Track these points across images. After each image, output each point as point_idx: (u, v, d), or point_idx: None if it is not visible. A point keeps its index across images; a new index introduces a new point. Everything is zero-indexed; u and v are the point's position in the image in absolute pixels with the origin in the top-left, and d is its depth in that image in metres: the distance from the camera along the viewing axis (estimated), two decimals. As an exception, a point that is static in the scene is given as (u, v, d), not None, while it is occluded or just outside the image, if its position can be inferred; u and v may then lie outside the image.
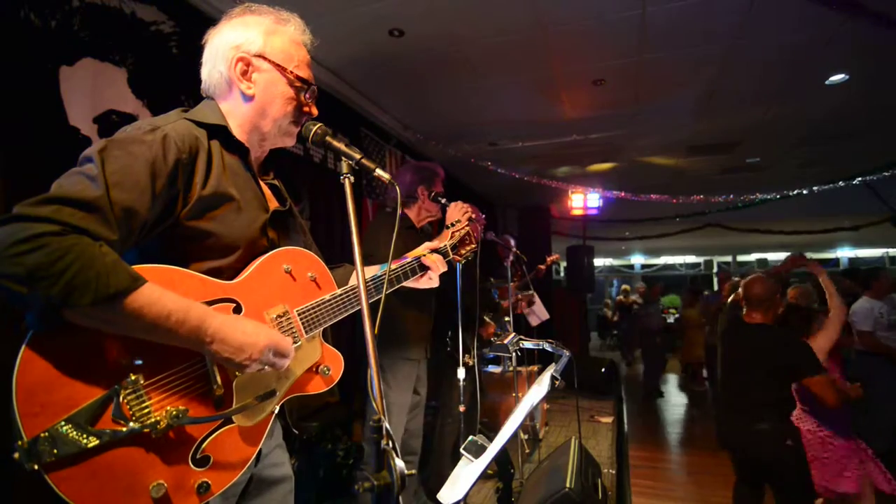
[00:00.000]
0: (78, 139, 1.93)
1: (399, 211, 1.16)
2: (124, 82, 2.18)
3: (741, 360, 2.47)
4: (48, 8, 1.88)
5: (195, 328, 0.85)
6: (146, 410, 0.85)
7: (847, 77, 3.72)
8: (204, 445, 0.91)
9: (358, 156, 1.03)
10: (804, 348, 2.34)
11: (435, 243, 1.47)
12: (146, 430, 0.84)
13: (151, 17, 2.32)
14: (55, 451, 0.76)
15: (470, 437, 1.42)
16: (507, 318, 3.67)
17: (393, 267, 1.31)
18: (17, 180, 1.69)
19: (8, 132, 1.72)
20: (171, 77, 2.36)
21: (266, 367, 0.95)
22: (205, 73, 1.10)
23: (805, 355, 2.32)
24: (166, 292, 0.84)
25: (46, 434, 0.76)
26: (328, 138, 1.08)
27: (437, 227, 1.77)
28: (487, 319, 3.02)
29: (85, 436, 0.79)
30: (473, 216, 2.02)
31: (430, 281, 1.41)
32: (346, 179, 1.00)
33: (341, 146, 1.04)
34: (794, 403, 2.56)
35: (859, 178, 5.31)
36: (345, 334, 1.42)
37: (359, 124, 4.15)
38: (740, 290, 2.60)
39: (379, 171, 1.05)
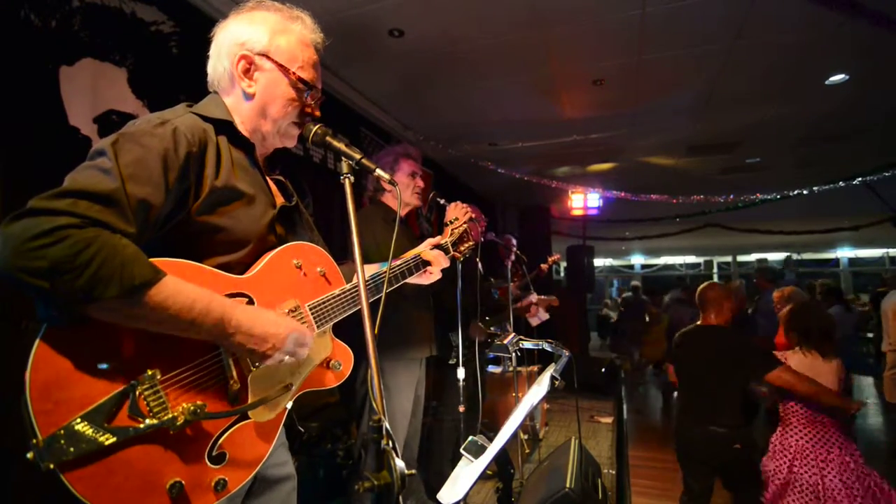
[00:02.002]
0: (78, 139, 1.93)
1: (399, 212, 1.17)
2: (124, 82, 2.17)
3: (697, 363, 2.51)
4: (48, 8, 1.88)
5: (218, 319, 0.85)
6: (163, 406, 0.84)
7: (847, 77, 3.72)
8: (220, 442, 0.91)
9: (358, 156, 1.03)
10: (755, 348, 2.39)
11: (436, 240, 1.50)
12: (164, 427, 0.83)
13: (151, 17, 2.32)
14: (71, 449, 0.74)
15: (470, 437, 1.42)
16: (507, 318, 3.67)
17: (395, 264, 1.32)
18: (17, 180, 1.69)
19: (8, 132, 1.72)
20: (171, 77, 2.36)
21: (287, 357, 0.95)
22: (210, 66, 1.10)
23: (757, 353, 2.35)
24: (187, 284, 0.84)
25: (62, 432, 0.74)
26: (328, 138, 1.07)
27: (437, 226, 1.78)
28: (480, 325, 3.03)
29: (101, 433, 0.77)
30: (473, 216, 2.02)
31: (431, 276, 1.42)
32: (346, 179, 1.01)
33: (341, 146, 1.04)
34: (752, 407, 2.55)
35: (859, 178, 5.31)
36: (344, 336, 1.42)
37: (359, 124, 4.15)
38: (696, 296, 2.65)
39: (379, 172, 1.06)
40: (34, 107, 1.83)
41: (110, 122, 2.06)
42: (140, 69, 2.23)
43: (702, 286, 2.66)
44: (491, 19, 2.91)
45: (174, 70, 2.38)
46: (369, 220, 2.19)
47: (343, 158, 1.03)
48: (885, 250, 15.13)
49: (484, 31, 3.05)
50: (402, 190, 2.28)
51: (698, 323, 2.63)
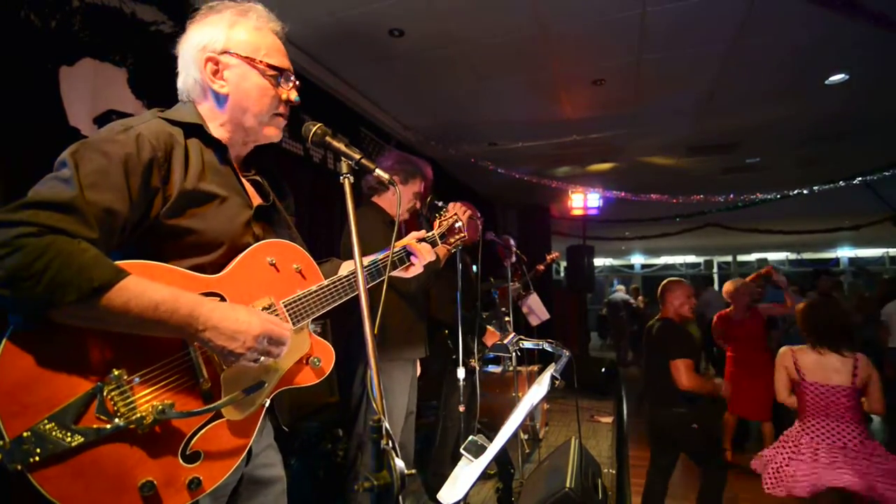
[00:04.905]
0: (78, 139, 1.93)
1: (399, 215, 1.16)
2: (124, 82, 2.18)
3: (648, 353, 2.84)
4: (48, 8, 1.88)
5: (186, 316, 0.84)
6: (131, 406, 0.84)
7: (847, 77, 3.72)
8: (193, 441, 0.90)
9: (358, 156, 1.02)
10: (678, 334, 2.69)
11: (421, 233, 1.46)
12: (132, 427, 0.83)
13: (151, 17, 2.32)
14: (39, 450, 0.75)
15: (470, 437, 1.42)
16: (507, 318, 3.67)
17: (380, 258, 1.30)
18: (17, 180, 1.69)
19: (8, 132, 1.72)
20: (171, 77, 2.34)
21: (261, 356, 0.93)
22: (180, 80, 1.10)
23: (674, 338, 2.66)
24: (152, 283, 0.84)
25: (29, 434, 0.75)
26: (328, 138, 1.07)
27: None
28: (491, 329, 3.04)
29: (69, 434, 0.77)
30: (471, 214, 2.02)
31: (413, 269, 1.39)
32: (346, 179, 1.00)
33: (341, 146, 1.04)
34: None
35: (859, 178, 5.31)
36: (338, 335, 1.43)
37: (359, 124, 4.15)
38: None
39: (379, 172, 1.06)
40: (34, 107, 1.83)
41: (110, 122, 2.05)
42: (140, 69, 2.23)
43: (663, 283, 2.93)
44: (491, 19, 2.91)
45: (174, 70, 2.38)
46: (366, 220, 2.18)
47: (343, 158, 1.02)
48: (885, 250, 15.13)
49: (484, 31, 3.05)
50: (402, 203, 2.27)
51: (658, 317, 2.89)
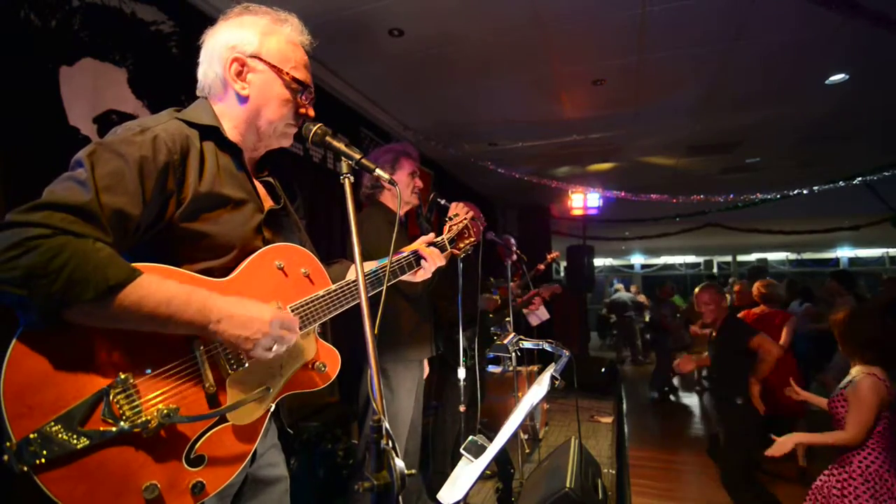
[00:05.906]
0: (78, 139, 1.93)
1: (399, 211, 1.16)
2: (124, 82, 2.17)
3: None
4: (48, 8, 1.88)
5: (200, 308, 0.85)
6: (137, 410, 0.84)
7: (847, 77, 3.72)
8: (198, 445, 0.91)
9: (358, 156, 1.03)
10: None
11: (431, 237, 1.47)
12: (137, 430, 0.83)
13: (151, 17, 2.32)
14: (45, 452, 0.75)
15: (470, 437, 1.42)
16: (507, 318, 3.67)
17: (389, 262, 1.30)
18: (17, 180, 1.69)
19: (8, 132, 1.71)
20: (171, 77, 2.36)
21: (275, 344, 0.94)
22: (201, 73, 1.09)
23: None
24: (165, 280, 0.85)
25: (35, 435, 0.75)
26: (328, 138, 1.07)
27: (437, 226, 1.77)
28: (488, 295, 3.03)
29: (75, 437, 0.78)
30: (473, 215, 2.01)
31: (423, 273, 1.40)
32: (346, 179, 1.00)
33: (341, 146, 1.04)
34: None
35: (859, 178, 5.31)
36: (343, 335, 1.43)
37: (359, 124, 4.15)
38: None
39: (379, 172, 1.06)
40: (34, 107, 1.83)
41: (110, 122, 2.06)
42: (140, 69, 2.23)
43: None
44: (491, 19, 2.91)
45: (174, 70, 2.38)
46: (370, 221, 2.18)
47: (343, 158, 1.03)
48: (885, 250, 15.13)
49: (484, 31, 3.05)
50: (401, 189, 2.26)
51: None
